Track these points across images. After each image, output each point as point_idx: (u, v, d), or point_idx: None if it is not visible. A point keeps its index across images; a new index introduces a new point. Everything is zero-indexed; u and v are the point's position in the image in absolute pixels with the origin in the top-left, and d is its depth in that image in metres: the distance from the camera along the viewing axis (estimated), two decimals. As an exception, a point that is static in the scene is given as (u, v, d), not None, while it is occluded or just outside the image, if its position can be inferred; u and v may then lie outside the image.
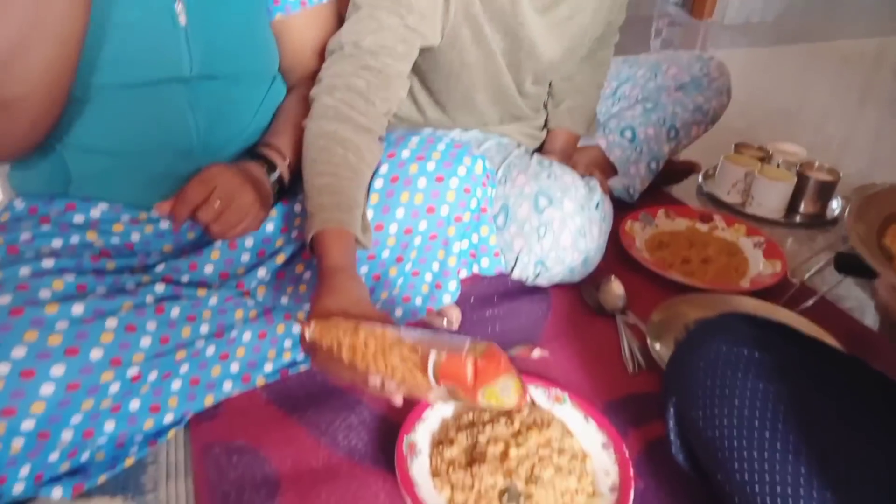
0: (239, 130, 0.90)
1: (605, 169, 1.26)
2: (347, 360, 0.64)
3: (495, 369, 0.62)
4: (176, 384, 0.77)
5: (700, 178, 1.49)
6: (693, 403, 0.65)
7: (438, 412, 0.79)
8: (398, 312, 0.91)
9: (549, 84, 1.21)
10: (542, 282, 1.03)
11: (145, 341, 0.73)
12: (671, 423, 0.69)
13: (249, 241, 0.90)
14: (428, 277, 0.92)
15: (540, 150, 1.23)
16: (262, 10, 0.89)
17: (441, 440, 0.75)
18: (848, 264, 0.96)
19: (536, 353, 0.93)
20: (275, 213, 0.91)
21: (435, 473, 0.72)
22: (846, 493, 0.54)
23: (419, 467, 0.72)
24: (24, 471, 0.65)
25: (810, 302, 1.04)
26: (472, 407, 0.75)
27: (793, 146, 1.47)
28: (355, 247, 0.79)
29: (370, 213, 0.87)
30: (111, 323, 0.71)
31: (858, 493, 0.54)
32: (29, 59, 0.67)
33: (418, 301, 0.92)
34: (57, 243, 0.78)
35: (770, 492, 0.57)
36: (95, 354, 0.68)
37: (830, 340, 0.92)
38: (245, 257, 0.89)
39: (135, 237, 0.86)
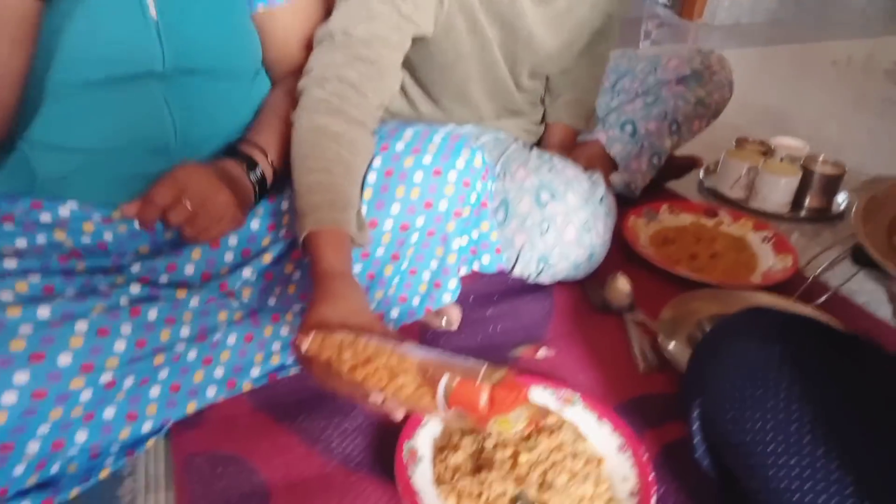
0: (220, 127, 0.85)
1: (605, 164, 1.21)
2: (347, 377, 0.59)
3: (513, 400, 0.56)
4: (154, 391, 0.71)
5: (701, 174, 1.45)
6: (721, 406, 0.60)
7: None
8: (394, 313, 0.86)
9: (547, 78, 1.17)
10: (545, 279, 0.98)
11: (119, 345, 0.67)
12: (695, 427, 0.64)
13: (233, 240, 0.84)
14: (426, 276, 0.87)
15: (538, 145, 1.19)
16: (242, 2, 0.84)
17: (444, 446, 0.69)
18: (866, 256, 0.92)
19: (542, 352, 0.88)
20: (260, 210, 0.86)
21: (439, 481, 0.66)
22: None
23: (421, 475, 0.66)
24: (-14, 485, 0.59)
25: (825, 297, 0.99)
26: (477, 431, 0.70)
27: (795, 141, 1.43)
28: (351, 248, 0.74)
29: (363, 210, 0.81)
30: (81, 326, 0.65)
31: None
32: None
33: (416, 301, 0.87)
34: (21, 243, 0.72)
35: (811, 501, 0.51)
36: (64, 360, 0.63)
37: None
38: (229, 256, 0.84)
39: (107, 237, 0.80)
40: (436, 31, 0.91)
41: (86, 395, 0.64)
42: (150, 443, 0.73)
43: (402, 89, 1.04)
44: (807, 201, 1.34)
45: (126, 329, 0.69)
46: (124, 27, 0.72)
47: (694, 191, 1.43)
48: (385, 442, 0.72)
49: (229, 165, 0.79)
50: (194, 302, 0.78)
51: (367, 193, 0.82)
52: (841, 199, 1.35)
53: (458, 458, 0.67)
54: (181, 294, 0.77)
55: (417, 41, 0.90)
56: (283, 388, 0.81)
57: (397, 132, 0.85)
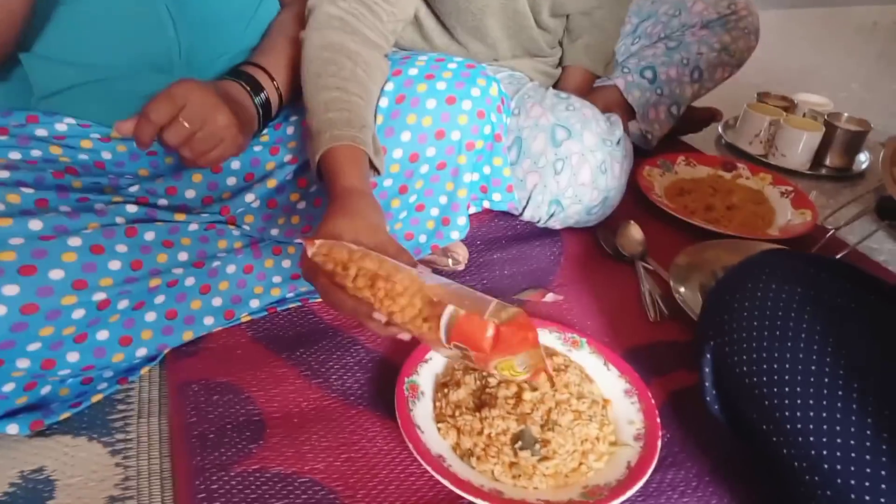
0: (226, 48, 0.81)
1: (622, 111, 1.16)
2: (352, 289, 0.54)
3: (520, 342, 0.52)
4: (150, 316, 0.69)
5: (720, 129, 1.40)
6: (737, 348, 0.57)
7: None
8: (399, 250, 0.83)
9: (567, 19, 1.12)
10: (556, 223, 0.95)
11: (114, 264, 0.65)
12: (707, 370, 0.61)
13: (236, 164, 0.81)
14: (434, 212, 0.83)
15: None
16: None
17: (446, 382, 0.67)
18: (891, 209, 0.88)
19: (549, 297, 0.86)
20: (266, 136, 0.83)
21: (439, 418, 0.64)
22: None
23: (422, 411, 0.64)
24: (-29, 402, 0.58)
25: (843, 253, 0.96)
26: (479, 369, 0.65)
27: (819, 97, 1.38)
28: (369, 168, 0.70)
29: None
30: (74, 242, 0.62)
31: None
32: None
33: (423, 238, 0.84)
34: (14, 155, 0.69)
35: (829, 443, 0.49)
36: (55, 275, 0.60)
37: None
38: (231, 181, 0.81)
39: (105, 156, 0.77)
40: None
41: (78, 314, 0.62)
42: (145, 370, 0.71)
43: (417, 20, 0.99)
44: (828, 159, 1.29)
45: (121, 248, 0.66)
46: None
47: (712, 145, 1.38)
48: (386, 378, 0.70)
49: (233, 87, 0.75)
50: (193, 227, 0.75)
51: (378, 119, 0.78)
52: (863, 158, 1.31)
53: (460, 394, 0.65)
54: (180, 217, 0.74)
55: None
56: (283, 321, 0.78)
57: (410, 58, 0.81)
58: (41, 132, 0.73)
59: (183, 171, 0.78)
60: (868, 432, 0.48)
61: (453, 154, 0.79)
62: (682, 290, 0.84)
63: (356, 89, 0.70)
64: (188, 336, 0.72)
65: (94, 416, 0.65)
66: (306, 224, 0.81)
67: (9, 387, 0.60)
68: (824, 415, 0.50)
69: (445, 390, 0.66)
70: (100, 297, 0.63)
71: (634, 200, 1.07)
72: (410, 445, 0.59)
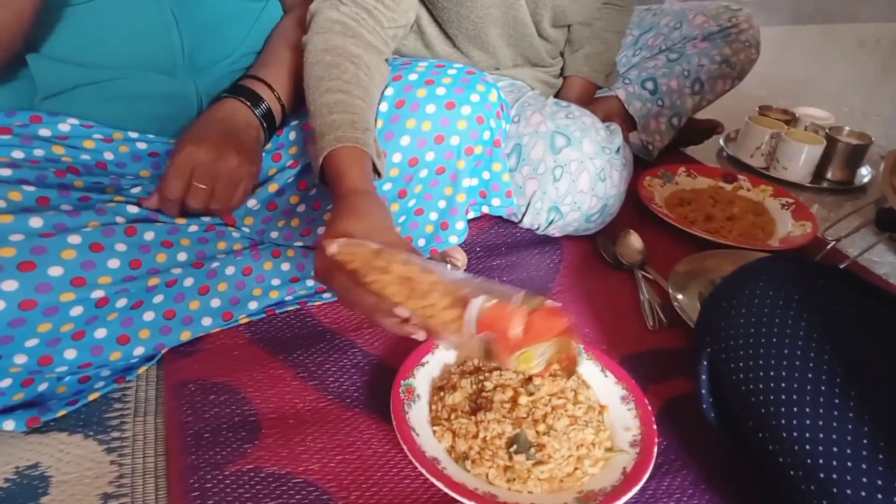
0: (228, 50, 0.82)
1: (623, 121, 1.17)
2: (375, 287, 0.53)
3: (549, 329, 0.51)
4: (148, 315, 0.69)
5: (721, 141, 1.41)
6: (733, 354, 0.57)
7: (440, 357, 0.71)
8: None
9: (569, 29, 1.13)
10: (555, 230, 0.95)
11: (113, 263, 0.65)
12: (703, 377, 0.61)
13: (238, 169, 0.81)
14: (433, 216, 0.84)
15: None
16: None
17: (442, 386, 0.67)
18: (890, 220, 0.88)
19: (548, 304, 0.85)
20: (269, 144, 0.83)
21: (435, 421, 0.64)
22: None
23: (417, 413, 0.64)
24: (-31, 397, 0.58)
25: (843, 265, 0.96)
26: (496, 364, 0.64)
27: (820, 111, 1.39)
28: (372, 170, 0.70)
29: None
30: (74, 239, 0.63)
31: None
32: None
33: (421, 242, 0.84)
34: (17, 154, 0.70)
35: (825, 450, 0.49)
36: (54, 271, 0.61)
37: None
38: (232, 185, 0.81)
39: (108, 156, 0.78)
40: None
41: (76, 311, 0.62)
42: (142, 369, 0.71)
43: (419, 28, 1.00)
44: (829, 173, 1.29)
45: (121, 247, 0.67)
46: None
47: (713, 158, 1.39)
48: (382, 381, 0.69)
49: (231, 109, 0.76)
50: (193, 228, 0.76)
51: (378, 124, 0.78)
52: (864, 171, 1.31)
53: (456, 398, 0.65)
54: (180, 219, 0.74)
55: None
56: (281, 324, 0.79)
57: (410, 64, 0.82)
58: (44, 132, 0.74)
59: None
60: (865, 440, 0.48)
61: (452, 159, 0.80)
62: (680, 297, 0.84)
63: (359, 92, 0.71)
64: (186, 336, 0.72)
65: (90, 413, 0.65)
66: (306, 227, 0.81)
67: (6, 383, 0.61)
68: (821, 422, 0.50)
69: (441, 394, 0.66)
70: (98, 294, 0.64)
71: (634, 210, 1.07)
72: (405, 447, 0.59)
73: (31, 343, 0.60)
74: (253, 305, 0.78)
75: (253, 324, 0.78)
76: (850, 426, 0.48)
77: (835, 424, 0.49)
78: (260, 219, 0.80)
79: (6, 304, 0.57)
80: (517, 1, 0.95)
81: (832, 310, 0.55)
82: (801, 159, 1.25)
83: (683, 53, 1.19)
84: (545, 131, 0.90)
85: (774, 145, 1.30)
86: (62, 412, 0.65)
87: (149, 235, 0.70)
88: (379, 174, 0.71)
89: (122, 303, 0.67)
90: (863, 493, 0.46)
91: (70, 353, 0.63)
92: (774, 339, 0.55)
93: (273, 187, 0.81)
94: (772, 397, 0.53)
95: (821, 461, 0.49)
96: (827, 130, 1.30)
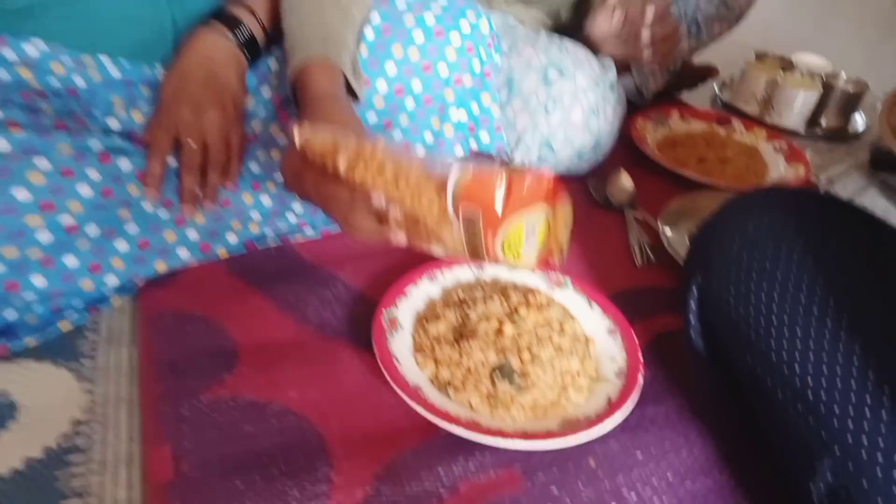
0: None
1: (617, 62, 1.14)
2: (347, 175, 0.50)
3: (535, 193, 0.47)
4: (121, 245, 0.67)
5: (716, 87, 1.38)
6: (724, 282, 0.56)
7: (424, 290, 0.69)
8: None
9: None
10: (547, 168, 0.93)
11: (84, 189, 0.63)
12: (692, 305, 0.60)
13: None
14: (419, 150, 0.81)
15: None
16: None
17: (426, 317, 0.65)
18: (885, 161, 0.86)
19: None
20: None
21: (418, 350, 0.62)
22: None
23: (400, 343, 0.63)
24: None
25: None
26: (482, 257, 0.55)
27: (817, 57, 1.35)
28: (344, 86, 0.66)
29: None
30: (42, 163, 0.60)
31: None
32: None
33: (406, 177, 0.82)
34: (-21, 76, 0.66)
35: (814, 372, 0.48)
36: (21, 195, 0.58)
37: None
38: (210, 115, 0.78)
39: (78, 82, 0.74)
40: None
41: (44, 237, 0.60)
42: (117, 301, 0.69)
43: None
44: (823, 120, 1.27)
45: (93, 174, 0.64)
46: None
47: (707, 104, 1.36)
48: (364, 313, 0.68)
49: (210, 47, 0.73)
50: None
51: (363, 51, 0.75)
52: (859, 119, 1.29)
53: (440, 327, 0.63)
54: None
55: None
56: (261, 257, 0.76)
57: (398, -10, 0.78)
58: (9, 55, 0.70)
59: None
60: (855, 362, 0.47)
61: (440, 89, 0.77)
62: (669, 234, 0.82)
63: (332, 11, 0.67)
64: (161, 267, 0.70)
65: (61, 343, 0.63)
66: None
67: (-30, 308, 0.58)
68: (812, 344, 0.48)
69: (425, 323, 0.64)
70: (67, 221, 0.61)
71: (626, 152, 1.05)
72: (387, 375, 0.58)
73: (-3, 268, 0.58)
74: (232, 238, 0.75)
75: (232, 258, 0.76)
76: (841, 347, 0.47)
77: (826, 347, 0.48)
78: (238, 150, 0.77)
79: (-32, 225, 0.54)
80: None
81: (828, 237, 0.53)
82: (796, 105, 1.23)
83: (680, -7, 1.15)
84: (538, 64, 0.87)
85: (770, 91, 1.27)
86: (32, 341, 0.62)
87: (123, 165, 0.67)
88: (356, 96, 0.67)
89: (93, 231, 0.64)
90: (851, 413, 0.45)
91: (38, 280, 0.61)
92: (768, 265, 0.53)
93: (256, 122, 0.78)
94: (762, 321, 0.52)
95: (810, 382, 0.48)
96: (823, 77, 1.28)
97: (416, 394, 0.56)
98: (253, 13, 0.76)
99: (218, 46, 0.73)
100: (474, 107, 0.83)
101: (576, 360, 0.61)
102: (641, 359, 0.63)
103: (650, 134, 1.10)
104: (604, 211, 0.92)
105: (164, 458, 0.52)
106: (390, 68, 0.75)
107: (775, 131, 1.17)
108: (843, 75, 1.28)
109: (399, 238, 0.54)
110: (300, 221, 0.80)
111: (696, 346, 0.60)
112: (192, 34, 0.74)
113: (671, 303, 0.75)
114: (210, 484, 0.50)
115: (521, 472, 0.54)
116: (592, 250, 0.84)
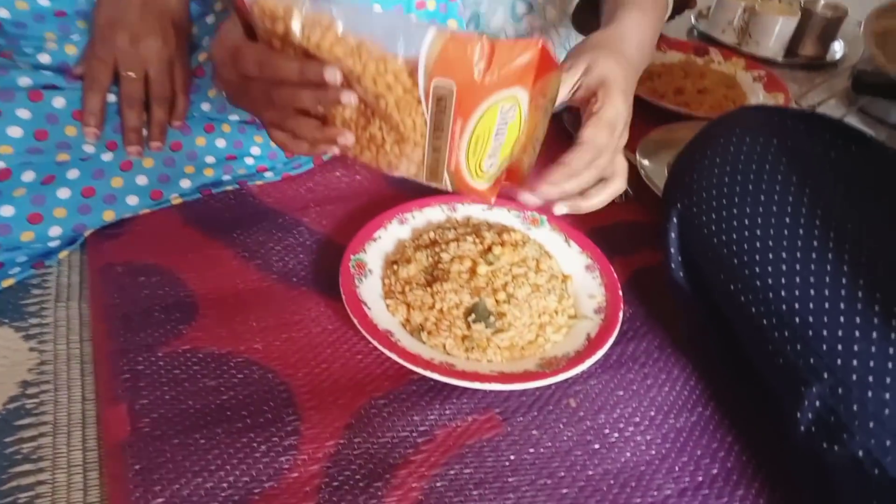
0: None
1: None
2: (300, 42, 0.42)
3: (521, 49, 0.39)
4: (63, 192, 0.62)
5: (693, 18, 1.33)
6: (705, 206, 0.53)
7: (393, 232, 0.66)
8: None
9: None
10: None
11: (14, 131, 0.57)
12: (672, 235, 0.57)
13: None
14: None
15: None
16: None
17: (396, 260, 0.62)
18: (867, 83, 0.84)
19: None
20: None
21: (388, 295, 0.59)
22: (885, 295, 0.44)
23: (368, 288, 0.59)
24: None
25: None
26: (441, 166, 0.46)
27: (795, -17, 1.31)
28: None
29: None
30: (-37, 101, 0.54)
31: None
32: None
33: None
34: None
35: (801, 294, 0.46)
36: (-61, 138, 0.52)
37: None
38: (153, 47, 0.71)
39: (3, 14, 0.67)
40: None
41: (-29, 185, 0.55)
42: (64, 254, 0.64)
43: None
44: (802, 48, 1.24)
45: (23, 114, 0.58)
46: None
47: (683, 35, 1.31)
48: (330, 259, 0.64)
49: None
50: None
51: None
52: (837, 47, 1.26)
53: (411, 270, 0.60)
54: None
55: None
56: (219, 204, 0.72)
57: None
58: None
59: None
60: (844, 282, 0.45)
61: (401, 12, 0.71)
62: (647, 165, 0.79)
63: None
64: (109, 216, 0.65)
65: (5, 300, 0.59)
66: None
67: None
68: (798, 266, 0.46)
69: (395, 267, 0.61)
70: (-2, 165, 0.56)
71: (601, 85, 1.00)
72: (356, 321, 0.54)
73: (-80, 219, 0.53)
74: (185, 184, 0.70)
75: (187, 205, 0.71)
76: (828, 268, 0.45)
77: (812, 268, 0.46)
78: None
79: None
80: None
81: (812, 154, 0.51)
82: (774, 33, 1.19)
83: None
84: (506, -6, 0.82)
85: (747, 19, 1.23)
86: (-29, 300, 0.58)
87: (58, 102, 0.61)
88: None
89: (29, 177, 0.59)
90: (839, 335, 0.43)
91: (-30, 233, 0.56)
92: (751, 186, 0.50)
93: (203, 55, 0.72)
94: (746, 246, 0.49)
95: (796, 306, 0.46)
96: (801, 2, 1.23)
97: (387, 339, 0.53)
98: None
99: None
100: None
101: (553, 298, 0.58)
102: (622, 295, 0.61)
103: (626, 65, 1.06)
104: (579, 146, 0.88)
105: (120, 416, 0.49)
106: (348, -7, 0.69)
107: (754, 61, 1.14)
108: (822, 0, 1.25)
109: (345, 140, 0.47)
110: (259, 165, 0.75)
111: (676, 278, 0.58)
112: None
113: (651, 238, 0.72)
114: (169, 441, 0.47)
115: (499, 415, 0.52)
116: (568, 187, 0.80)
